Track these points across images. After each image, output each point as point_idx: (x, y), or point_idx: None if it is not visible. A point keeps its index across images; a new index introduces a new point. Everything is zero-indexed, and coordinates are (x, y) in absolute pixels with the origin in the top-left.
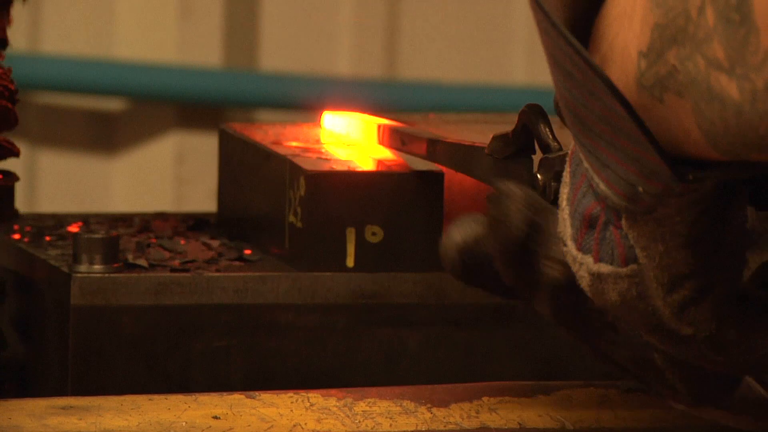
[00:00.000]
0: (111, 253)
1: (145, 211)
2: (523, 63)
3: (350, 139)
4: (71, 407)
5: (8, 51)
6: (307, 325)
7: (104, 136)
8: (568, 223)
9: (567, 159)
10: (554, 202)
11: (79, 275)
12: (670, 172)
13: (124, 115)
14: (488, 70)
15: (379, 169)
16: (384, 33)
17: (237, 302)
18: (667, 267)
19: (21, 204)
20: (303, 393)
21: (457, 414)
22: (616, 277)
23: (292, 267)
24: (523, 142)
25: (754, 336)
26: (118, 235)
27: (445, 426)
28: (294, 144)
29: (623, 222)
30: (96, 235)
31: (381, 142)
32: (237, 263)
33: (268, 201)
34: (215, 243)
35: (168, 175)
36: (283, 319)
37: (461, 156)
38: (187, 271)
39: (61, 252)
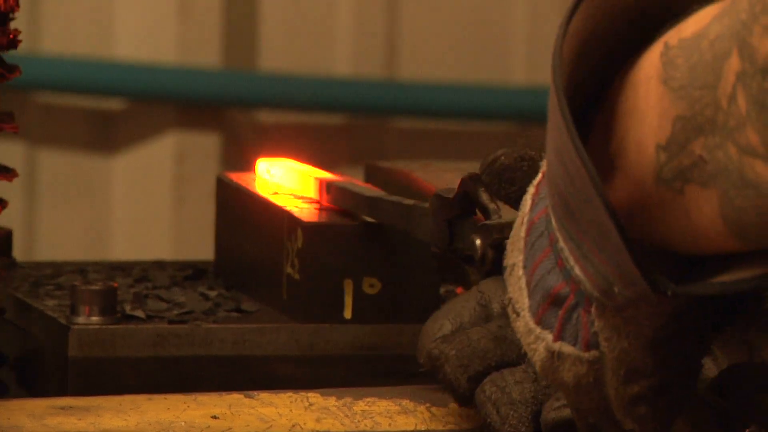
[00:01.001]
0: (109, 304)
1: (144, 215)
2: (523, 63)
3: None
4: (71, 407)
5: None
6: (306, 377)
7: (104, 135)
8: (525, 293)
9: (517, 226)
10: (490, 272)
11: (76, 327)
12: (648, 287)
13: (124, 114)
14: (488, 70)
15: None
16: (384, 33)
17: (235, 354)
18: (626, 361)
19: (20, 203)
20: (302, 393)
21: (456, 414)
22: (576, 359)
23: (289, 318)
24: (465, 206)
25: None
26: (115, 286)
27: (444, 426)
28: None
29: (592, 309)
30: (94, 287)
31: (320, 198)
32: (235, 314)
33: (266, 252)
34: (213, 293)
35: (168, 175)
36: (281, 371)
37: (403, 215)
38: (184, 322)
39: (58, 303)
